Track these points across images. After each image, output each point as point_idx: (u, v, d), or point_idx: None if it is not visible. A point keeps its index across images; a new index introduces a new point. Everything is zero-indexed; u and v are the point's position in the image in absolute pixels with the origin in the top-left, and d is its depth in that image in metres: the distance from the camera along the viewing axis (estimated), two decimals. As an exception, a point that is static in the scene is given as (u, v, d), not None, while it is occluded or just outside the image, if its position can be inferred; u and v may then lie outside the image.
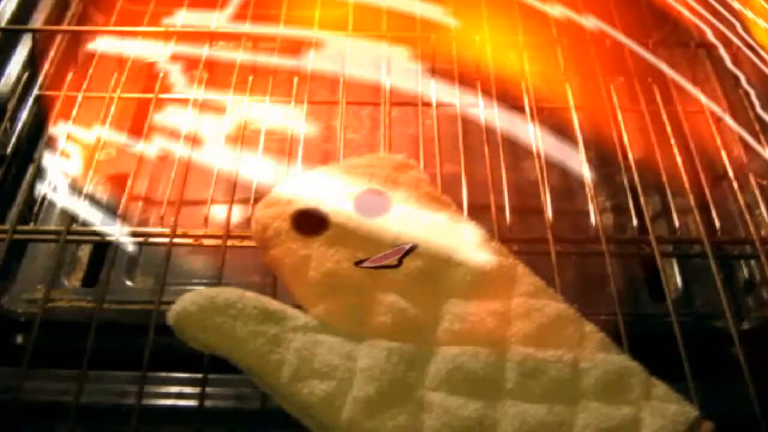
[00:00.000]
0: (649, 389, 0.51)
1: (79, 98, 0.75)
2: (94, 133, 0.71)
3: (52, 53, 0.83)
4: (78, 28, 0.88)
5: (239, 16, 0.82)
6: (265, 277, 0.60)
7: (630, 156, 0.71)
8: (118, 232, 0.64)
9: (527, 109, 0.74)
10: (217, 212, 0.71)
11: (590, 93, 0.82)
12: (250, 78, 0.77)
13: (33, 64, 0.81)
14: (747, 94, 0.76)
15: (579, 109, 0.76)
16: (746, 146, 0.73)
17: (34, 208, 0.69)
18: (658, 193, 0.74)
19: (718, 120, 0.75)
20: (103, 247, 0.71)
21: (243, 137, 0.71)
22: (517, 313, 0.54)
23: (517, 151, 0.78)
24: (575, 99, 0.76)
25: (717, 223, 0.67)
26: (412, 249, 0.57)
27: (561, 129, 0.81)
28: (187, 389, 0.59)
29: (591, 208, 0.68)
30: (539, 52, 0.85)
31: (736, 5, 0.81)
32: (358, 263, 0.56)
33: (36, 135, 0.78)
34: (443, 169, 0.67)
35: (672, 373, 0.53)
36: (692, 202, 0.66)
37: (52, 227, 0.71)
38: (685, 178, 0.69)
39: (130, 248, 0.71)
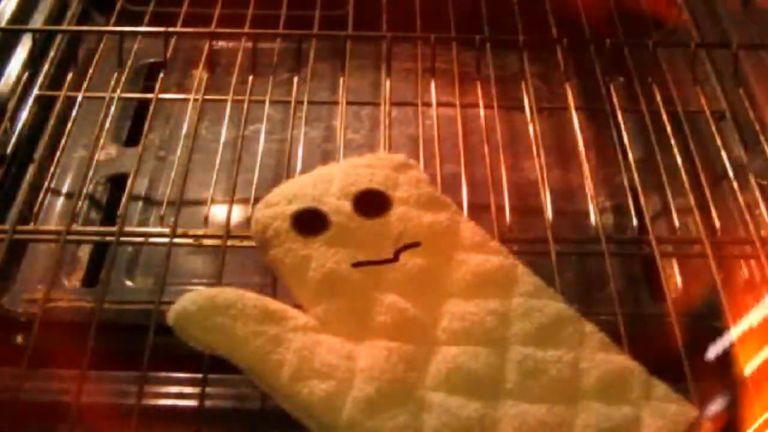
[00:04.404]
0: (649, 389, 0.51)
1: (79, 98, 0.75)
2: (94, 133, 0.71)
3: (52, 53, 0.83)
4: (78, 28, 0.88)
5: (239, 16, 0.82)
6: (265, 277, 0.60)
7: (630, 156, 0.71)
8: (118, 232, 0.64)
9: (527, 109, 0.74)
10: (217, 212, 0.71)
11: (590, 93, 0.82)
12: (250, 78, 0.77)
13: (33, 64, 0.81)
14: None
15: (579, 109, 0.76)
16: (746, 146, 0.73)
17: (34, 208, 0.69)
18: (658, 193, 0.74)
19: (719, 120, 0.75)
20: (103, 247, 0.71)
21: (243, 137, 0.71)
22: (517, 313, 0.54)
23: (517, 151, 0.78)
24: (575, 99, 0.76)
25: (717, 223, 0.67)
26: (410, 245, 0.57)
27: (561, 129, 0.81)
28: (187, 389, 0.59)
29: (591, 208, 0.68)
30: (539, 52, 0.85)
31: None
32: (357, 264, 0.56)
33: (36, 135, 0.78)
34: (443, 169, 0.67)
35: (672, 373, 0.53)
36: (692, 202, 0.66)
37: (52, 227, 0.71)
38: (685, 178, 0.69)
39: (130, 248, 0.71)
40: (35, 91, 0.80)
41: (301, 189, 0.60)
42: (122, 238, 0.64)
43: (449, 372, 0.51)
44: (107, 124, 0.73)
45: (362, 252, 0.56)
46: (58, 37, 0.85)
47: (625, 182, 0.71)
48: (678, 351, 0.55)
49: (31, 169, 0.74)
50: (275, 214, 0.58)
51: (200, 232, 0.65)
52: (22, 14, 0.84)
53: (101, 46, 0.80)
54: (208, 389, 0.55)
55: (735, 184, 0.69)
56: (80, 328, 0.57)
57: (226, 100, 0.75)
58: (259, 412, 0.54)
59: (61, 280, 0.69)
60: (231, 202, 0.65)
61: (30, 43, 0.81)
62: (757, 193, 0.69)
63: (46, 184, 0.70)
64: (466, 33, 0.80)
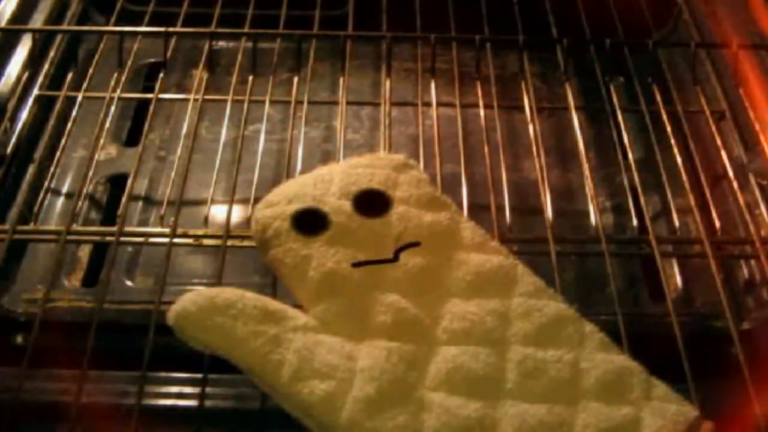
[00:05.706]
0: (649, 389, 0.51)
1: (79, 98, 0.75)
2: (94, 133, 0.71)
3: (52, 53, 0.83)
4: (78, 28, 0.88)
5: (239, 16, 0.82)
6: (265, 277, 0.60)
7: (630, 156, 0.72)
8: (118, 232, 0.64)
9: (527, 109, 0.74)
10: (217, 212, 0.71)
11: (590, 93, 0.82)
12: (250, 78, 0.77)
13: (33, 64, 0.81)
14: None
15: (579, 109, 0.76)
16: (746, 146, 0.73)
17: (34, 208, 0.69)
18: (658, 193, 0.74)
19: (718, 120, 0.75)
20: (103, 247, 0.71)
21: (243, 137, 0.71)
22: (517, 313, 0.54)
23: (517, 151, 0.78)
24: (575, 99, 0.76)
25: (717, 223, 0.67)
26: (410, 245, 0.57)
27: (561, 129, 0.81)
28: (187, 389, 0.59)
29: (591, 208, 0.68)
30: (539, 52, 0.85)
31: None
32: (357, 263, 0.56)
33: (36, 135, 0.78)
34: (443, 169, 0.67)
35: (672, 373, 0.53)
36: (692, 202, 0.66)
37: (52, 227, 0.71)
38: (685, 178, 0.69)
39: (130, 248, 0.71)
40: (35, 91, 0.80)
41: (302, 189, 0.60)
42: (122, 238, 0.64)
43: (449, 372, 0.51)
44: (107, 124, 0.73)
45: (363, 252, 0.56)
46: (58, 37, 0.85)
47: (625, 182, 0.71)
48: (678, 351, 0.55)
49: (31, 169, 0.75)
50: (275, 214, 0.58)
51: (200, 232, 0.65)
52: (22, 14, 0.84)
53: (101, 46, 0.80)
54: (208, 389, 0.55)
55: (735, 184, 0.69)
56: (80, 328, 0.57)
57: (226, 100, 0.75)
58: (259, 412, 0.54)
59: (61, 280, 0.70)
60: (231, 202, 0.65)
61: (30, 43, 0.81)
62: (757, 193, 0.69)
63: (46, 184, 0.70)
64: (466, 33, 0.80)
